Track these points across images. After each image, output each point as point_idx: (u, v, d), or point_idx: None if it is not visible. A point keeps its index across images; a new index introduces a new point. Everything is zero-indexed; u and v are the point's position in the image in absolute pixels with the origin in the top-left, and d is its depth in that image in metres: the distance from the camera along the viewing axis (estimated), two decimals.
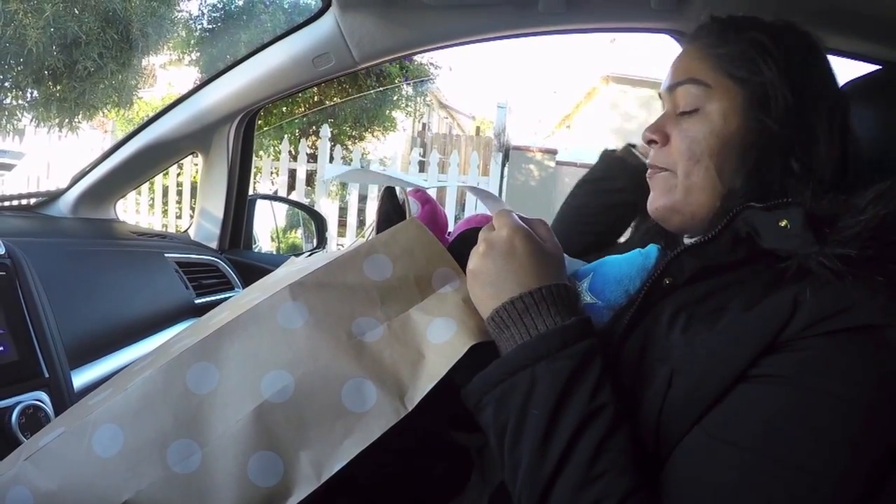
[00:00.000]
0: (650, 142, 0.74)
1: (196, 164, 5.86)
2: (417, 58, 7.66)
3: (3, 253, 0.88)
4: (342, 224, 6.36)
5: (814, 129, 0.66)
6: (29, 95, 5.28)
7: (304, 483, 0.56)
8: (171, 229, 6.06)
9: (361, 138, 7.81)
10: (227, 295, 1.54)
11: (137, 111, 6.63)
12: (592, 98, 12.87)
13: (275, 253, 2.59)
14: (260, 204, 1.89)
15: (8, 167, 7.38)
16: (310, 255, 0.80)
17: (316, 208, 4.70)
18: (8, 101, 5.24)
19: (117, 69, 5.12)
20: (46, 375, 0.83)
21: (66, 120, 5.37)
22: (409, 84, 7.82)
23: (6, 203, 1.62)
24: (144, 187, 6.29)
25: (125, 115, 6.56)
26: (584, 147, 10.29)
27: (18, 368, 0.81)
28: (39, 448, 0.58)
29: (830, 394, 0.52)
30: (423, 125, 10.49)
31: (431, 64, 8.23)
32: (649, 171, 0.75)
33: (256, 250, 1.98)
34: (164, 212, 6.59)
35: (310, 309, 0.62)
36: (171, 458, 0.56)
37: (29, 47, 4.50)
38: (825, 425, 0.51)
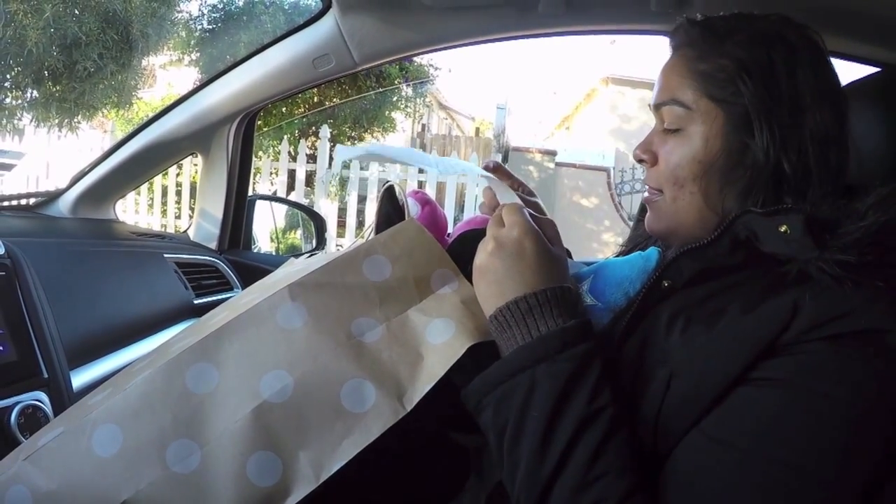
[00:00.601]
0: (640, 161, 0.73)
1: (196, 165, 5.86)
2: (417, 59, 7.67)
3: (2, 253, 0.88)
4: (341, 225, 6.37)
5: (804, 138, 0.63)
6: (29, 95, 5.28)
7: (303, 483, 0.56)
8: (171, 230, 6.05)
9: (361, 139, 7.81)
10: (226, 295, 1.54)
11: (137, 111, 6.63)
12: (592, 99, 12.89)
13: (274, 253, 2.59)
14: (259, 204, 1.89)
15: (7, 167, 7.39)
16: (309, 255, 0.80)
17: (315, 209, 4.71)
18: (8, 101, 5.24)
19: (117, 70, 5.12)
20: (46, 375, 0.83)
21: (66, 120, 5.37)
22: (408, 85, 7.83)
23: (6, 203, 1.62)
24: (144, 187, 6.30)
25: (125, 115, 6.57)
26: (583, 148, 10.31)
27: (18, 368, 0.81)
28: (38, 448, 0.58)
29: (829, 397, 0.52)
30: (423, 126, 10.49)
31: (431, 65, 8.24)
32: (646, 189, 0.74)
33: (256, 251, 1.98)
34: (164, 212, 6.59)
35: (309, 309, 0.62)
36: (171, 458, 0.56)
37: (29, 48, 4.50)
38: (824, 428, 0.51)
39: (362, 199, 6.39)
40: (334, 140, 6.58)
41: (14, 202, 1.62)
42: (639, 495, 0.53)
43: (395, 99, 7.77)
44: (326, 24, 1.27)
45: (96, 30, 4.81)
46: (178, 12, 6.05)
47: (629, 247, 0.86)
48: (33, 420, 0.78)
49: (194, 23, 6.73)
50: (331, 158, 6.09)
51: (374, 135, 7.87)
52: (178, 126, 1.50)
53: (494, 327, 0.62)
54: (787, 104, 0.64)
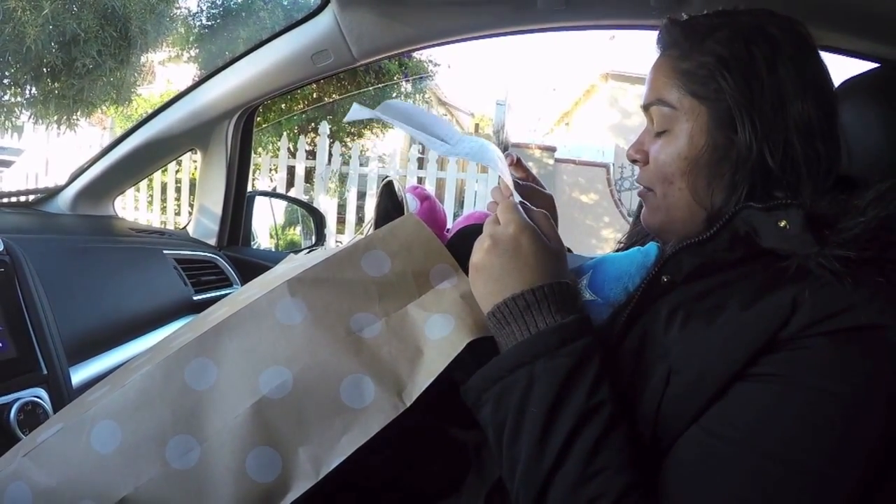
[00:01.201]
0: (633, 161, 0.74)
1: (195, 161, 5.85)
2: (416, 55, 7.66)
3: (1, 250, 0.88)
4: (341, 220, 6.36)
5: (788, 130, 0.63)
6: (28, 92, 5.27)
7: (303, 479, 0.56)
8: (170, 226, 6.05)
9: (360, 135, 7.80)
10: (225, 291, 1.54)
11: (136, 108, 6.62)
12: (591, 95, 12.89)
13: (273, 249, 2.59)
14: (259, 201, 1.89)
15: (7, 164, 7.38)
16: (308, 251, 0.80)
17: (314, 205, 4.71)
18: (7, 97, 5.23)
19: (116, 66, 5.11)
20: (45, 372, 0.83)
21: (65, 117, 5.36)
22: (407, 81, 7.81)
23: (5, 200, 1.62)
24: (143, 184, 6.28)
25: (124, 112, 6.55)
26: (582, 144, 10.31)
27: (17, 365, 0.81)
28: (38, 444, 0.58)
29: (829, 392, 0.52)
30: None
31: (430, 61, 8.22)
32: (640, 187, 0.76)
33: (255, 247, 1.98)
34: (163, 208, 6.58)
35: (308, 305, 0.62)
36: (170, 454, 0.56)
37: (28, 44, 4.49)
38: (823, 423, 0.51)
39: (362, 195, 6.39)
40: (334, 136, 6.57)
41: (13, 199, 1.62)
42: (638, 490, 0.53)
43: (394, 95, 7.75)
44: (325, 20, 1.27)
45: (95, 26, 4.80)
46: (177, 9, 6.03)
47: (628, 243, 0.87)
48: (33, 417, 0.78)
49: (193, 19, 6.72)
50: (330, 154, 6.08)
51: (374, 130, 7.87)
52: (176, 122, 1.50)
53: (493, 324, 0.62)
54: (769, 98, 0.63)
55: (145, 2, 5.12)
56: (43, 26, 4.53)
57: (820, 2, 0.95)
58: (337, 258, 0.66)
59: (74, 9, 4.71)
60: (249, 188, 1.75)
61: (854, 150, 0.70)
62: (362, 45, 1.29)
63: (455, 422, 0.82)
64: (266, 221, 2.41)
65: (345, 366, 0.59)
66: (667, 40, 0.72)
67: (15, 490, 0.56)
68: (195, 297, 1.41)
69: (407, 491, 0.80)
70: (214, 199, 1.66)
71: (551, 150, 7.60)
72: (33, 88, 5.22)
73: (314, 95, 7.12)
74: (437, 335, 0.62)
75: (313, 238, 2.10)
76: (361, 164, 6.19)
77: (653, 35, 0.75)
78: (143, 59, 5.69)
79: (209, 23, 6.77)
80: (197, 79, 1.51)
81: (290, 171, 6.29)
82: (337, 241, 6.03)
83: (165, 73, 7.47)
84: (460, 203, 6.55)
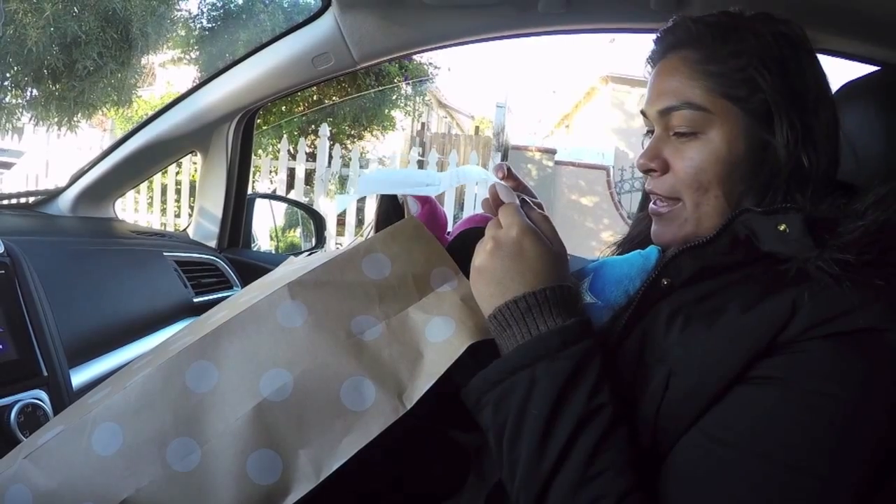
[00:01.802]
0: (648, 171, 0.71)
1: (195, 163, 5.86)
2: (416, 57, 7.67)
3: (2, 251, 0.89)
4: (341, 223, 6.37)
5: (814, 135, 0.64)
6: (28, 94, 5.28)
7: (303, 481, 0.56)
8: (170, 228, 6.05)
9: (360, 137, 7.82)
10: (225, 294, 1.54)
11: (136, 110, 6.63)
12: (591, 98, 12.90)
13: (273, 252, 2.59)
14: (259, 203, 1.89)
15: (7, 166, 7.39)
16: (309, 254, 0.80)
17: (315, 207, 4.71)
18: (7, 99, 5.24)
19: (117, 68, 5.12)
20: (45, 374, 0.83)
21: (66, 119, 5.37)
22: (408, 83, 7.83)
23: (5, 201, 1.62)
24: (143, 186, 6.29)
25: (124, 113, 6.56)
26: (583, 147, 10.31)
27: (17, 367, 0.81)
28: (38, 446, 0.58)
29: (828, 395, 0.52)
30: (422, 124, 10.46)
31: (430, 63, 8.25)
32: (652, 199, 0.72)
33: (255, 249, 1.99)
34: (163, 210, 6.59)
35: (309, 308, 0.62)
36: (171, 457, 0.56)
37: (29, 46, 4.50)
38: (823, 427, 0.51)
39: (362, 198, 6.38)
40: (334, 138, 6.58)
41: (14, 201, 1.62)
42: (637, 493, 0.53)
43: (394, 97, 7.77)
44: (326, 23, 1.27)
45: (96, 28, 4.81)
46: (178, 11, 6.06)
47: (625, 247, 0.85)
48: (33, 419, 0.78)
49: (194, 21, 6.74)
50: (330, 157, 6.09)
51: (374, 133, 7.88)
52: (177, 124, 1.50)
53: (494, 327, 0.62)
54: (804, 99, 0.64)
55: (146, 4, 5.14)
56: (44, 28, 4.55)
57: (820, 5, 0.95)
58: (337, 261, 0.66)
59: (75, 11, 4.73)
60: (249, 190, 1.75)
61: (853, 153, 0.71)
62: (363, 48, 1.30)
63: (455, 424, 0.82)
64: (266, 224, 2.41)
65: (345, 368, 0.59)
66: (682, 39, 0.69)
67: (15, 492, 0.56)
68: (195, 299, 1.41)
69: (407, 494, 0.80)
70: (215, 201, 1.66)
71: (551, 152, 7.60)
72: (34, 90, 5.23)
73: (314, 98, 7.13)
74: (438, 338, 0.62)
75: (313, 240, 2.10)
76: (361, 167, 6.20)
77: (653, 38, 0.74)
78: (143, 61, 5.71)
79: (210, 25, 6.79)
80: (197, 81, 1.51)
81: (291, 173, 6.29)
82: (337, 244, 6.03)
83: (166, 75, 7.49)
84: (460, 206, 6.56)
